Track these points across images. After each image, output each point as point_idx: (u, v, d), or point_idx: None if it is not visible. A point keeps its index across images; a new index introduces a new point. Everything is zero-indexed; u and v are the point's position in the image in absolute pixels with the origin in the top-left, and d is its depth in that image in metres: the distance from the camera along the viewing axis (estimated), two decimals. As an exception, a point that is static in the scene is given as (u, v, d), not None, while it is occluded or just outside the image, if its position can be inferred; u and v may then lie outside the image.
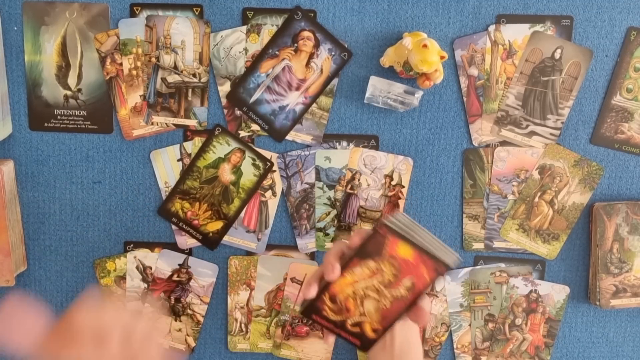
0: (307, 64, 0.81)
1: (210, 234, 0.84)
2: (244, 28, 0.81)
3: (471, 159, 0.83)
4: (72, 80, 0.82)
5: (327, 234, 0.84)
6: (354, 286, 0.68)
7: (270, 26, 0.80)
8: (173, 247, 0.84)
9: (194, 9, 0.80)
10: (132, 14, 0.81)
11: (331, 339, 0.72)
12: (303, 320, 0.85)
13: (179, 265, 0.85)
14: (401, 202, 0.83)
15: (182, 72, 0.81)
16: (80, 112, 0.82)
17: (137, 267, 0.85)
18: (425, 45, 0.73)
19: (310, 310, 0.70)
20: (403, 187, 0.83)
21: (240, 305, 0.85)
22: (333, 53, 0.80)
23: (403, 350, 0.71)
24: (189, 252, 0.85)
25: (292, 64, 0.81)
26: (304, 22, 0.80)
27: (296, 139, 0.82)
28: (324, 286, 0.69)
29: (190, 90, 0.82)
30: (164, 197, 0.83)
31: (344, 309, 0.69)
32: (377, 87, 0.79)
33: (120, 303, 0.73)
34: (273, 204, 0.83)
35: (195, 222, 0.83)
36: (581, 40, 0.81)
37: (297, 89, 0.81)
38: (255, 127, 0.82)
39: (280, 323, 0.85)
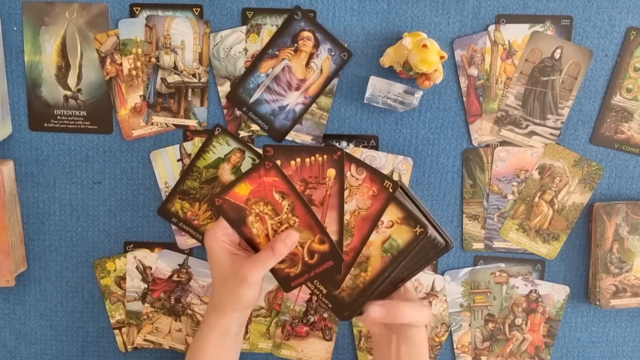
0: (307, 64, 0.81)
1: (210, 234, 0.84)
2: (244, 28, 0.81)
3: (471, 159, 0.83)
4: (72, 80, 0.82)
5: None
6: (268, 237, 0.70)
7: (270, 26, 0.80)
8: (173, 247, 0.84)
9: (194, 9, 0.80)
10: (132, 14, 0.81)
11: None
12: (303, 321, 0.85)
13: (179, 265, 0.85)
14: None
15: (182, 72, 0.81)
16: (80, 112, 0.82)
17: (137, 267, 0.85)
18: (425, 45, 0.73)
19: (286, 285, 0.72)
20: (403, 187, 0.83)
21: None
22: (333, 53, 0.80)
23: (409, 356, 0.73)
24: (189, 252, 0.85)
25: (292, 64, 0.81)
26: (303, 22, 0.80)
27: (296, 139, 0.82)
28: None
29: (190, 91, 0.82)
30: (164, 197, 0.83)
31: (290, 256, 0.71)
32: (377, 87, 0.79)
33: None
34: (273, 204, 0.83)
35: (195, 222, 0.83)
36: (581, 40, 0.81)
37: (297, 89, 0.81)
38: (255, 127, 0.82)
39: (280, 323, 0.85)
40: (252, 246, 0.72)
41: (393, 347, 0.73)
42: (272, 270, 0.72)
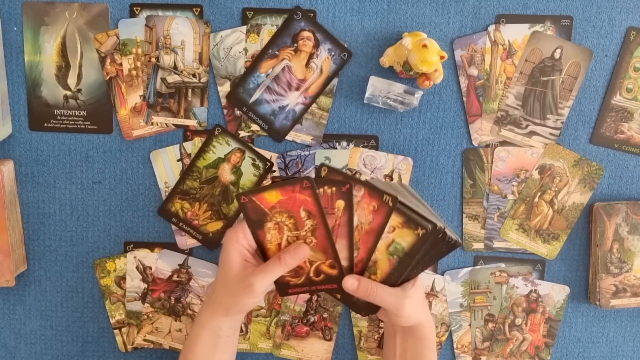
0: (307, 64, 0.81)
1: (210, 234, 0.84)
2: (244, 28, 0.81)
3: (471, 159, 0.83)
4: (72, 80, 0.82)
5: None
6: (279, 247, 0.71)
7: (270, 26, 0.80)
8: (173, 247, 0.84)
9: (194, 9, 0.80)
10: (132, 14, 0.81)
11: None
12: (303, 321, 0.85)
13: (179, 265, 0.85)
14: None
15: (182, 72, 0.81)
16: (80, 112, 0.82)
17: (137, 267, 0.85)
18: (425, 45, 0.73)
19: (283, 290, 0.73)
20: (403, 187, 0.83)
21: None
22: (333, 53, 0.80)
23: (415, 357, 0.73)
24: (189, 252, 0.85)
25: (292, 64, 0.81)
26: (303, 22, 0.80)
27: (296, 139, 0.82)
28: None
29: (190, 91, 0.82)
30: (164, 197, 0.83)
31: (296, 268, 0.71)
32: (377, 87, 0.79)
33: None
34: (273, 204, 0.83)
35: (195, 222, 0.83)
36: (581, 40, 0.81)
37: (297, 89, 0.81)
38: (255, 127, 0.82)
39: (280, 323, 0.85)
40: (261, 252, 0.73)
41: (399, 338, 0.74)
42: None
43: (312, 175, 0.82)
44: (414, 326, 0.72)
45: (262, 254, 0.72)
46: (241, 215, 0.72)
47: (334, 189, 0.69)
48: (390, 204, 0.68)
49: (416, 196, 0.74)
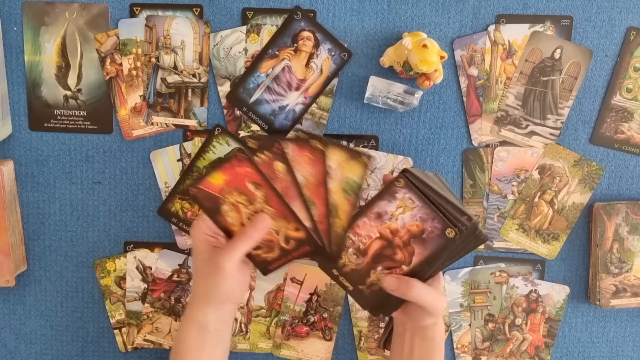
0: (307, 64, 0.81)
1: (210, 234, 0.84)
2: (244, 28, 0.81)
3: (471, 159, 0.83)
4: (72, 80, 0.82)
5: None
6: (243, 225, 0.71)
7: (270, 26, 0.80)
8: (173, 247, 0.84)
9: (194, 9, 0.80)
10: (132, 14, 0.81)
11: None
12: (303, 321, 0.85)
13: (179, 265, 0.85)
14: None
15: (182, 72, 0.81)
16: (80, 112, 0.82)
17: (137, 267, 0.85)
18: (425, 45, 0.73)
19: (264, 269, 0.74)
20: (403, 187, 0.83)
21: (240, 305, 0.85)
22: (333, 53, 0.80)
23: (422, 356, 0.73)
24: (189, 252, 0.85)
25: (292, 64, 0.81)
26: (303, 22, 0.80)
27: (296, 139, 0.82)
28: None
29: (190, 91, 0.82)
30: (164, 197, 0.83)
31: (264, 241, 0.71)
32: (377, 87, 0.79)
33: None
34: (273, 204, 0.83)
35: (195, 222, 0.83)
36: (581, 40, 0.81)
37: (297, 89, 0.81)
38: (255, 127, 0.82)
39: (280, 323, 0.85)
40: (228, 236, 0.73)
41: (407, 336, 0.74)
42: (250, 257, 0.73)
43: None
44: (428, 326, 0.72)
45: (230, 237, 0.72)
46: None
47: (268, 153, 0.69)
48: (320, 146, 0.68)
49: (448, 188, 0.74)
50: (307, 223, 0.71)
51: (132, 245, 0.85)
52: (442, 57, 0.74)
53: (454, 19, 0.80)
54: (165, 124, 0.82)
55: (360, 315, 0.85)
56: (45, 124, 0.83)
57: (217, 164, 0.70)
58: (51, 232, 0.84)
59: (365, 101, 0.80)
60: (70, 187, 0.84)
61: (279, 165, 0.70)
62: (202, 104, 0.82)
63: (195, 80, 0.81)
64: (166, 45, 0.81)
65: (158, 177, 0.83)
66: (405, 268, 0.70)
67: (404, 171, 0.71)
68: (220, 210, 0.71)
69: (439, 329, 0.72)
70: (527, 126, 0.82)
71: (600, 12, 0.80)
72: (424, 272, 0.70)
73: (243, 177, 0.69)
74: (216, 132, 0.82)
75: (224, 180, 0.70)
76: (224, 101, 0.82)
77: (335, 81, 0.81)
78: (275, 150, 0.69)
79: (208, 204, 0.71)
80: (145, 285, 0.85)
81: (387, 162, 0.82)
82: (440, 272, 0.73)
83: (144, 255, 0.85)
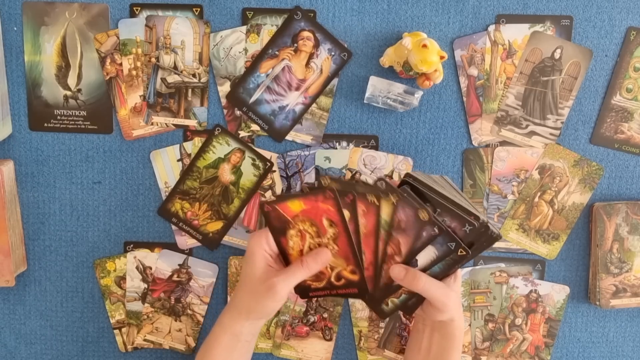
0: (307, 64, 0.81)
1: (210, 234, 0.84)
2: (244, 28, 0.81)
3: (471, 159, 0.83)
4: (72, 80, 0.82)
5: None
6: (302, 253, 0.72)
7: (270, 26, 0.80)
8: (173, 247, 0.84)
9: (194, 9, 0.80)
10: (132, 14, 0.81)
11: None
12: (303, 321, 0.85)
13: (179, 265, 0.85)
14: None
15: (182, 72, 0.81)
16: (80, 112, 0.82)
17: (137, 267, 0.85)
18: (424, 45, 0.73)
19: (304, 293, 0.74)
20: (403, 187, 0.83)
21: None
22: (333, 53, 0.80)
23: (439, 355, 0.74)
24: (189, 252, 0.85)
25: (292, 64, 0.81)
26: (303, 22, 0.80)
27: (296, 139, 0.82)
28: None
29: (190, 91, 0.82)
30: (164, 197, 0.83)
31: (317, 273, 0.72)
32: (377, 87, 0.79)
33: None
34: (273, 204, 0.83)
35: (195, 222, 0.83)
36: (581, 40, 0.81)
37: (297, 89, 0.81)
38: (255, 127, 0.82)
39: (280, 323, 0.85)
40: (284, 257, 0.73)
41: (427, 332, 0.75)
42: None
43: (312, 175, 0.82)
44: (447, 322, 0.73)
45: (285, 259, 0.73)
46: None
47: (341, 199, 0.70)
48: (377, 202, 0.69)
49: (456, 188, 0.75)
50: (367, 272, 0.72)
51: (132, 245, 0.85)
52: (442, 57, 0.74)
53: (454, 19, 0.80)
54: (165, 124, 0.82)
55: (360, 315, 0.85)
56: (45, 124, 0.83)
57: (303, 194, 0.70)
58: (51, 232, 0.84)
59: (365, 101, 0.80)
60: (70, 187, 0.84)
61: (325, 222, 0.71)
62: (202, 104, 0.82)
63: (195, 80, 0.81)
64: (166, 45, 0.81)
65: (158, 177, 0.83)
66: (398, 259, 0.71)
67: (407, 176, 0.71)
68: (285, 232, 0.72)
69: (458, 326, 0.73)
70: (527, 126, 0.82)
71: (600, 12, 0.80)
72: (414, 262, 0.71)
73: (322, 212, 0.70)
74: (216, 132, 0.82)
75: (302, 209, 0.71)
76: (224, 101, 0.82)
77: (335, 81, 0.81)
78: (347, 201, 0.70)
79: (276, 224, 0.72)
80: (145, 285, 0.85)
81: (387, 162, 0.82)
82: (459, 273, 0.73)
83: (144, 255, 0.85)
